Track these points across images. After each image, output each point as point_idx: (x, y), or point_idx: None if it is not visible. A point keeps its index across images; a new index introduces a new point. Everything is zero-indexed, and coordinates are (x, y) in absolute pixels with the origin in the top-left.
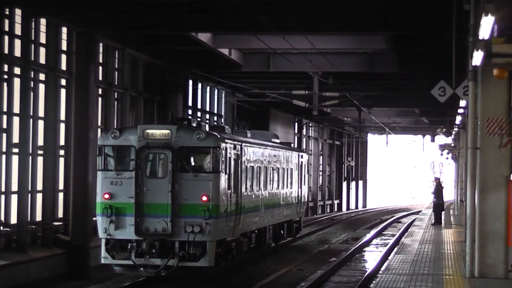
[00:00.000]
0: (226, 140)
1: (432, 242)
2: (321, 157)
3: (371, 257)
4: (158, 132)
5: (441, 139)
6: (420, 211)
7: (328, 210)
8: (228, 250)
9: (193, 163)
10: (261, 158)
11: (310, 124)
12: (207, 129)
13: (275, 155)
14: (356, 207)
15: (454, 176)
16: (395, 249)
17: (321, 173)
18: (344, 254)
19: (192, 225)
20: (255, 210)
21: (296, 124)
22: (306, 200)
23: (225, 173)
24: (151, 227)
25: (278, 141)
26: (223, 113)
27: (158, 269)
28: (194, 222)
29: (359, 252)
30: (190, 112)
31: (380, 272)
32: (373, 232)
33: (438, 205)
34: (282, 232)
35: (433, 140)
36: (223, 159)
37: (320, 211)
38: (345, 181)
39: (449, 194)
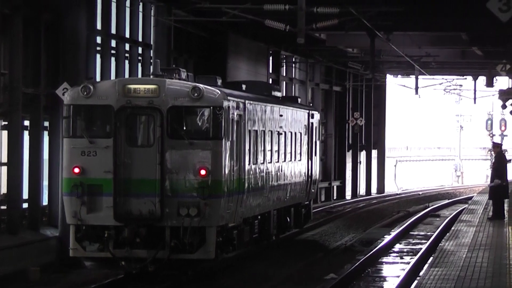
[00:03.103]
0: (229, 97)
1: (490, 247)
2: None
3: (392, 272)
4: (143, 88)
5: (504, 81)
6: (470, 198)
7: (323, 198)
8: (228, 239)
9: (187, 127)
10: (266, 120)
11: (294, 59)
12: (189, 80)
13: (281, 115)
14: (368, 192)
15: None
16: (430, 260)
17: None
18: (349, 267)
19: (187, 206)
20: (259, 189)
21: (271, 58)
22: (318, 177)
23: (228, 140)
24: (135, 209)
25: (279, 94)
26: (152, 42)
27: (144, 263)
28: (190, 202)
29: (373, 265)
30: (99, 39)
31: None
32: (394, 232)
33: (500, 189)
34: (288, 219)
35: (490, 84)
36: (225, 121)
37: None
38: (350, 151)
39: None
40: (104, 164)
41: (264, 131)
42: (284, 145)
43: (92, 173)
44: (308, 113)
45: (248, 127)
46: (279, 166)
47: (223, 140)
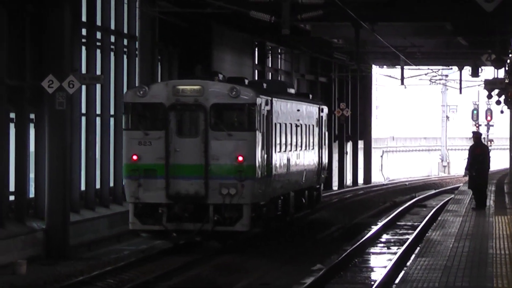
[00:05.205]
0: (260, 96)
1: (476, 237)
2: None
3: (379, 263)
4: (189, 88)
5: (489, 71)
6: (456, 188)
7: None
8: (259, 215)
9: (227, 121)
10: (287, 114)
11: (279, 51)
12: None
13: (298, 110)
14: (355, 182)
15: (509, 130)
16: (417, 250)
17: None
18: (336, 258)
19: (227, 187)
20: (283, 173)
21: (256, 50)
22: (326, 164)
23: (260, 132)
24: (183, 189)
25: (293, 91)
26: (137, 34)
27: (191, 234)
28: (230, 184)
29: (360, 255)
30: (84, 31)
31: (394, 286)
32: (381, 222)
33: (476, 179)
34: (303, 200)
35: (476, 74)
36: (258, 116)
37: None
38: (336, 142)
39: (501, 160)
40: (157, 152)
41: (286, 124)
42: (300, 136)
43: (148, 159)
44: (319, 108)
45: (274, 121)
46: (297, 154)
47: (256, 131)
